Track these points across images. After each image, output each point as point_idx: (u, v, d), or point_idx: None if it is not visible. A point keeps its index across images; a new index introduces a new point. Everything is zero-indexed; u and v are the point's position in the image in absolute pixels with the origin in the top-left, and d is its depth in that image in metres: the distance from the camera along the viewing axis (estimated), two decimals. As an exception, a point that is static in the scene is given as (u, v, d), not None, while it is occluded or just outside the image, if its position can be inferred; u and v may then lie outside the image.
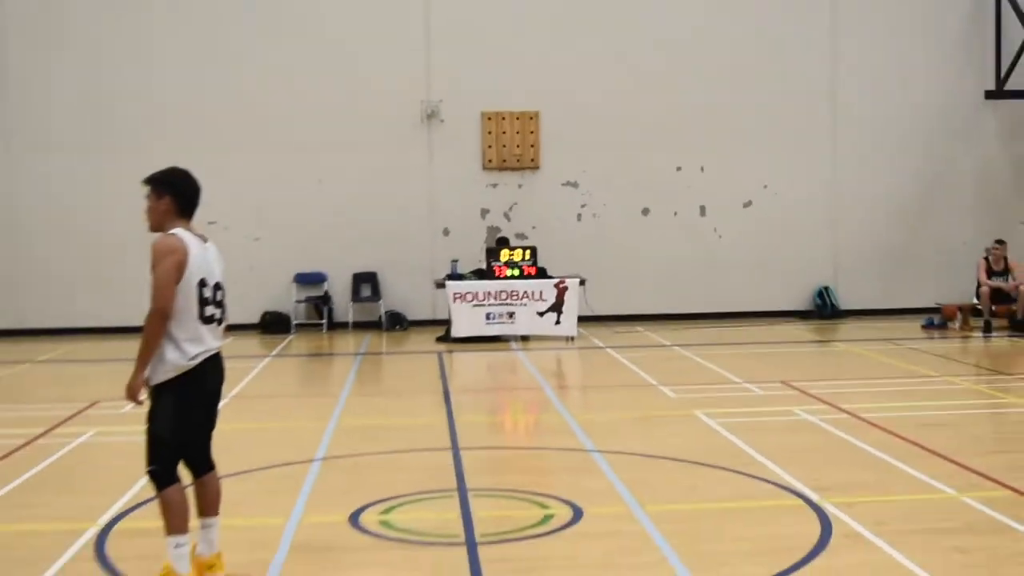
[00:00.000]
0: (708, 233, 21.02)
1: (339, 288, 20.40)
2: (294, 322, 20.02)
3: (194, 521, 6.12)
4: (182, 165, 6.28)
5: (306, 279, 20.21)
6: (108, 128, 19.67)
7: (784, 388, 12.84)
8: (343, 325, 20.27)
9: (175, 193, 6.11)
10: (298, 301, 20.19)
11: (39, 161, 19.69)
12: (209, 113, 19.75)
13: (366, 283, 20.34)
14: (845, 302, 21.09)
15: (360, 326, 20.17)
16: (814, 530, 7.01)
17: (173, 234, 6.01)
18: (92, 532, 7.26)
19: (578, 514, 7.50)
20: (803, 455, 9.21)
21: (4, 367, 16.18)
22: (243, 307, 18.47)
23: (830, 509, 7.45)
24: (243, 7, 20.01)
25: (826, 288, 21.15)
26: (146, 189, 6.12)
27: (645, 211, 20.88)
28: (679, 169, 20.85)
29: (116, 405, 11.64)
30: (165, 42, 19.83)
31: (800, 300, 21.17)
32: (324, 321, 20.07)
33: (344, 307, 20.36)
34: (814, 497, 7.79)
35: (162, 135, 19.03)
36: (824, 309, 20.94)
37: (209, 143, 18.99)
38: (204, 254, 6.11)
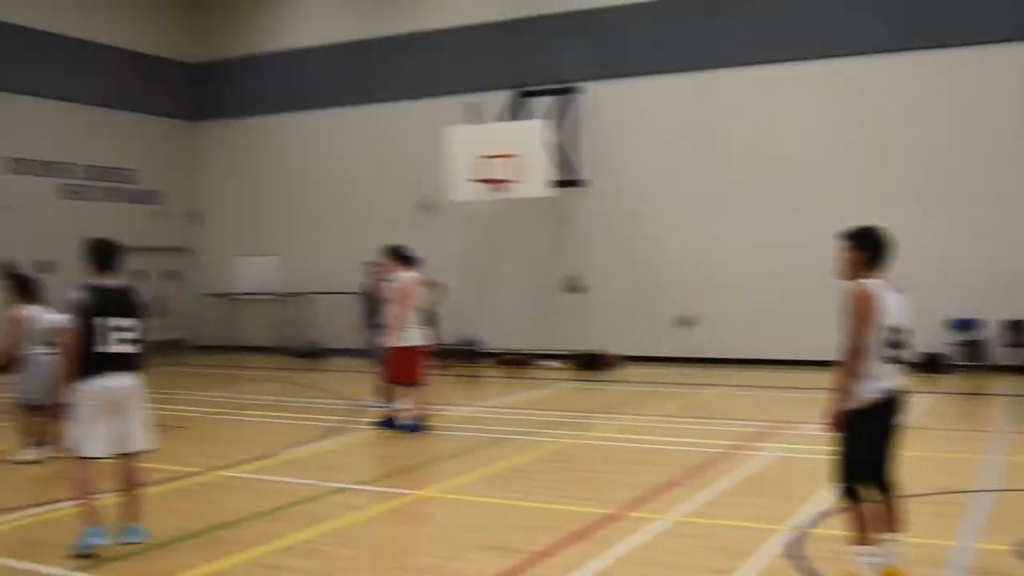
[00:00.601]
0: None
1: (992, 333, 18.66)
2: (949, 363, 18.65)
3: (879, 535, 5.85)
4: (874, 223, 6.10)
5: (961, 324, 18.79)
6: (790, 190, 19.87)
7: None
8: (996, 368, 18.49)
9: (867, 248, 5.97)
10: (953, 344, 18.80)
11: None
12: (877, 175, 19.16)
13: (1019, 329, 18.42)
14: None
15: (1013, 369, 18.26)
16: None
17: (863, 283, 5.87)
18: (781, 533, 7.25)
19: None
20: None
21: (706, 389, 16.85)
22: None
23: None
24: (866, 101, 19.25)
25: None
26: (843, 242, 6.03)
27: None
28: None
29: (803, 427, 11.61)
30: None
31: None
32: (977, 363, 18.46)
33: (997, 351, 18.58)
34: None
35: (840, 195, 18.76)
36: None
37: (871, 203, 18.29)
38: (893, 302, 5.88)
